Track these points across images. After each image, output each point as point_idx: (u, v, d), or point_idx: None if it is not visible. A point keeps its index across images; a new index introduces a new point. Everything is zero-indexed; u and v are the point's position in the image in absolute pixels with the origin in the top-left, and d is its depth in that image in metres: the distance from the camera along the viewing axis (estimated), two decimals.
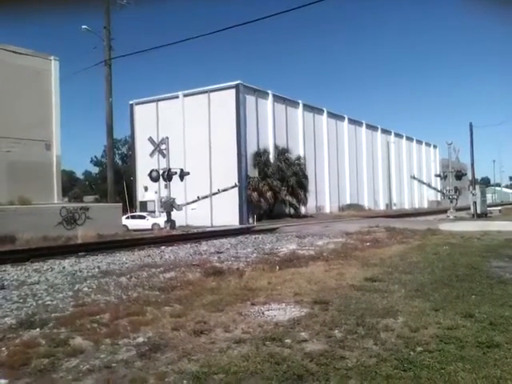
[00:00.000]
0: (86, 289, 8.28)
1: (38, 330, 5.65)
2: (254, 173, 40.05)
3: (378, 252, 12.89)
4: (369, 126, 60.99)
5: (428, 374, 4.03)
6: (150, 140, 28.31)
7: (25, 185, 22.03)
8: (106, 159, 44.11)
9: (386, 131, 65.03)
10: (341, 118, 55.47)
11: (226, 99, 39.64)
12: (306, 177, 43.56)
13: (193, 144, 40.29)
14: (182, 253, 13.93)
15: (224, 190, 31.56)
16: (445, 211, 36.38)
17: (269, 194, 39.13)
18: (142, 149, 38.92)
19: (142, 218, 35.69)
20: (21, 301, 7.35)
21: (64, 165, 36.87)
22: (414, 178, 50.55)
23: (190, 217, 36.31)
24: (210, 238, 19.48)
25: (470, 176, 57.52)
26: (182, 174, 28.28)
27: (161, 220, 31.75)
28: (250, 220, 37.76)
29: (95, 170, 66.79)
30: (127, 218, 34.66)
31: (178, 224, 28.67)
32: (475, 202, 32.36)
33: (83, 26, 27.14)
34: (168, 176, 27.03)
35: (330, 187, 51.30)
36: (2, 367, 4.43)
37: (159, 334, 5.37)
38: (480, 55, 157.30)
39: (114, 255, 13.69)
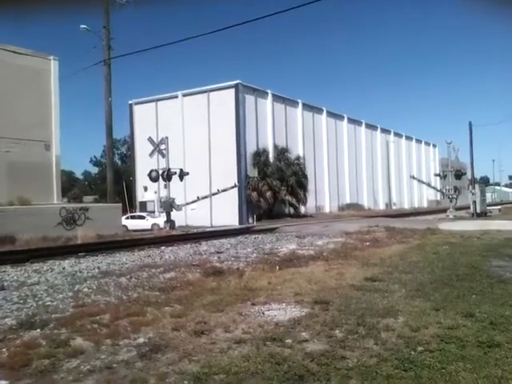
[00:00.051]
0: (86, 289, 8.27)
1: (38, 330, 5.65)
2: (253, 172, 40.04)
3: (378, 252, 12.89)
4: (368, 126, 60.99)
5: (429, 373, 4.03)
6: (150, 140, 28.31)
7: (24, 185, 22.01)
8: (105, 159, 44.10)
9: (385, 130, 65.04)
10: (340, 117, 55.47)
11: (225, 99, 39.63)
12: (305, 176, 43.56)
13: (192, 144, 40.27)
14: (182, 253, 13.93)
15: (223, 191, 31.56)
16: (444, 210, 36.39)
17: (268, 193, 39.12)
18: (142, 149, 38.91)
19: (142, 218, 35.68)
20: (21, 302, 7.35)
21: (63, 165, 36.82)
22: (413, 177, 50.51)
23: (190, 217, 36.29)
24: (209, 238, 19.48)
25: (469, 175, 57.61)
26: (182, 174, 28.27)
27: (160, 220, 31.74)
28: (250, 220, 37.74)
29: (95, 170, 66.85)
30: (127, 218, 34.65)
31: (177, 224, 28.66)
32: (475, 202, 32.36)
33: (82, 26, 27.13)
34: (167, 176, 27.03)
35: (330, 187, 51.29)
36: (3, 368, 4.42)
37: (160, 335, 5.36)
38: (479, 54, 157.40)
39: (114, 256, 13.69)
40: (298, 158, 44.00)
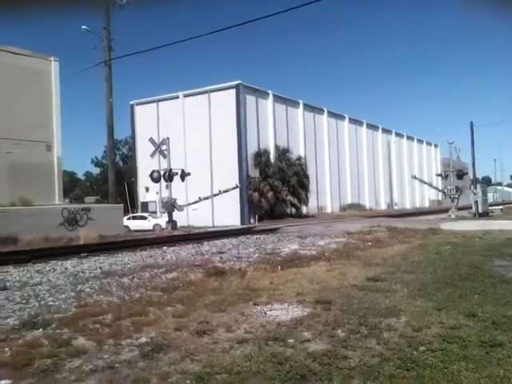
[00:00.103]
0: (88, 289, 8.29)
1: (40, 330, 5.66)
2: (254, 173, 40.05)
3: (380, 252, 12.88)
4: (369, 126, 60.96)
5: (431, 373, 4.02)
6: (151, 141, 28.33)
7: (26, 186, 22.04)
8: (106, 160, 44.10)
9: (386, 131, 65.00)
10: (341, 117, 55.45)
11: (226, 99, 39.65)
12: (307, 177, 43.56)
13: (193, 144, 40.31)
14: (184, 253, 13.94)
15: (225, 191, 31.58)
16: (446, 210, 36.36)
17: (270, 194, 39.13)
18: (143, 149, 38.93)
19: (144, 218, 35.69)
20: (23, 302, 7.36)
21: (65, 166, 37.05)
22: (415, 177, 50.56)
23: (192, 217, 36.30)
24: (211, 238, 19.48)
25: (471, 175, 57.53)
26: (183, 175, 28.31)
27: (162, 220, 31.74)
28: (252, 220, 37.75)
29: (96, 170, 66.98)
30: (128, 218, 34.67)
31: (179, 224, 28.68)
32: (476, 201, 32.34)
33: (83, 27, 27.16)
34: (169, 176, 27.05)
35: (331, 187, 51.28)
36: (5, 368, 4.43)
37: (162, 335, 5.37)
38: (480, 54, 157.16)
39: (116, 256, 13.71)
40: (299, 158, 44.01)
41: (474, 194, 32.62)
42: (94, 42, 27.44)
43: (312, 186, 44.80)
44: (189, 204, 31.05)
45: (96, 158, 64.78)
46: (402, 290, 7.47)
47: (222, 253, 13.78)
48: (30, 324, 5.90)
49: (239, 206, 38.31)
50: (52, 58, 25.49)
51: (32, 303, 7.22)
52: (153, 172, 27.59)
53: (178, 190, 30.77)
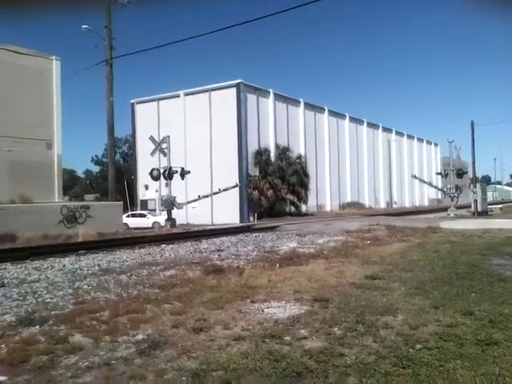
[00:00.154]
0: (85, 287, 8.29)
1: (37, 327, 5.66)
2: (254, 171, 40.05)
3: (379, 250, 12.89)
4: (370, 125, 60.96)
5: (427, 371, 4.02)
6: (151, 139, 28.35)
7: (26, 184, 22.07)
8: (106, 158, 44.11)
9: (387, 129, 64.98)
10: (342, 116, 55.42)
11: (226, 98, 39.63)
12: (306, 175, 43.57)
13: (194, 143, 40.30)
14: (183, 251, 13.94)
15: (225, 190, 31.61)
16: (445, 209, 36.36)
17: (269, 192, 39.15)
18: (143, 147, 38.93)
19: (143, 216, 35.68)
20: (21, 298, 7.36)
21: (65, 164, 36.93)
22: (414, 177, 50.47)
23: (191, 215, 36.33)
24: (210, 236, 19.49)
25: (470, 174, 57.46)
26: (183, 173, 28.34)
27: (161, 218, 31.76)
28: (251, 218, 37.76)
29: (96, 168, 66.97)
30: (128, 216, 34.64)
31: (178, 222, 28.72)
32: (476, 200, 32.35)
33: (84, 26, 27.13)
34: (169, 175, 27.09)
35: (331, 185, 51.28)
36: (2, 364, 4.43)
37: (159, 332, 5.37)
38: (481, 53, 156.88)
39: (115, 253, 13.71)
40: (299, 156, 44.01)
41: (474, 192, 32.63)
42: (96, 41, 27.48)
43: (312, 185, 44.82)
44: (188, 202, 31.07)
45: (96, 156, 64.87)
46: (400, 288, 7.48)
47: (221, 251, 13.78)
48: (26, 321, 5.90)
49: (238, 204, 38.31)
50: (53, 57, 25.55)
51: (29, 300, 7.22)
52: (153, 170, 27.63)
53: (178, 188, 30.80)
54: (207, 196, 32.38)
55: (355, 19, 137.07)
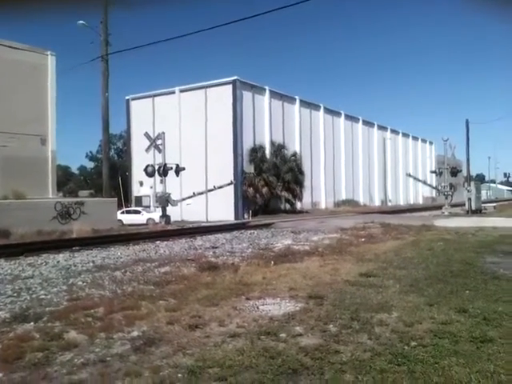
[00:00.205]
0: (80, 283, 8.25)
1: (32, 323, 5.63)
2: (249, 168, 40.05)
3: (373, 247, 12.92)
4: (365, 122, 61.09)
5: (422, 368, 4.04)
6: (146, 135, 28.23)
7: (20, 179, 21.91)
8: (101, 154, 43.95)
9: (382, 127, 65.13)
10: (337, 114, 55.48)
11: (222, 95, 39.58)
12: (301, 172, 43.63)
13: (189, 139, 40.23)
14: (177, 247, 13.91)
15: (220, 187, 31.58)
16: (440, 207, 36.53)
17: (264, 189, 39.18)
18: (138, 144, 38.82)
19: (137, 212, 35.62)
20: (15, 295, 7.32)
21: (59, 160, 36.84)
22: (409, 175, 50.57)
23: (185, 212, 36.28)
24: (205, 233, 19.44)
25: (465, 172, 57.71)
26: (178, 170, 28.24)
27: (156, 215, 31.69)
28: (246, 215, 37.78)
29: (90, 165, 66.82)
30: (122, 212, 34.59)
31: (173, 219, 28.63)
32: (470, 199, 32.50)
33: (80, 21, 26.97)
34: (164, 171, 26.99)
35: (326, 183, 51.38)
36: None
37: (154, 328, 5.36)
38: (477, 52, 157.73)
39: (109, 250, 13.65)
40: (294, 154, 44.06)
41: (468, 191, 32.77)
42: (92, 37, 27.32)
43: (307, 182, 44.88)
44: (183, 199, 31.00)
45: (91, 152, 64.67)
46: (394, 285, 7.50)
47: (216, 247, 13.76)
48: (21, 317, 5.87)
49: (233, 201, 38.32)
50: (48, 52, 25.33)
51: (23, 296, 7.18)
52: (147, 166, 27.50)
53: (173, 185, 30.71)
54: (202, 193, 32.32)
55: (351, 17, 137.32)
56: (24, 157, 22.97)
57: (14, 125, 22.83)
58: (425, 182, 51.72)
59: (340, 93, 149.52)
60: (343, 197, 54.34)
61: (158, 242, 15.61)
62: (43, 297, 7.14)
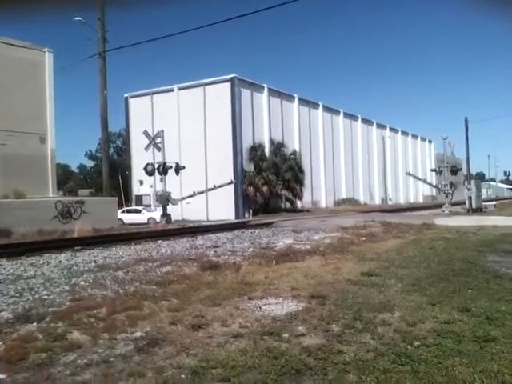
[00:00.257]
0: (82, 283, 8.25)
1: (35, 324, 5.63)
2: (249, 167, 40.04)
3: (374, 246, 12.92)
4: (364, 121, 61.05)
5: (425, 368, 4.03)
6: (145, 133, 28.19)
7: (19, 178, 21.89)
8: (100, 153, 43.95)
9: (381, 126, 65.11)
10: (336, 112, 55.45)
11: (221, 93, 39.54)
12: (301, 171, 43.62)
13: (188, 137, 40.20)
14: (179, 247, 13.91)
15: (220, 186, 31.58)
16: (440, 206, 36.53)
17: (264, 188, 39.17)
18: (137, 142, 38.79)
19: (138, 212, 35.61)
20: (17, 295, 7.32)
21: (59, 158, 36.80)
22: (409, 174, 50.54)
23: (186, 211, 36.27)
24: (206, 232, 19.46)
25: (465, 171, 57.74)
26: (178, 168, 28.22)
27: (156, 214, 31.70)
28: (246, 214, 37.77)
29: (90, 163, 66.74)
30: (123, 212, 34.57)
31: (173, 218, 28.64)
32: (470, 197, 32.50)
33: (76, 18, 26.88)
34: (163, 170, 26.97)
35: (326, 182, 51.37)
36: (0, 362, 4.40)
37: (157, 329, 5.36)
38: (476, 50, 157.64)
39: (111, 249, 13.66)
40: (294, 152, 44.04)
41: (468, 189, 32.77)
42: (89, 34, 27.24)
43: (307, 181, 44.86)
44: (183, 198, 30.99)
45: (90, 150, 64.60)
46: (396, 284, 7.50)
47: (217, 247, 13.76)
48: (24, 318, 5.87)
49: (234, 200, 38.31)
50: (46, 50, 25.27)
51: (26, 297, 7.18)
52: (147, 165, 27.48)
53: (173, 184, 30.69)
54: (202, 192, 32.32)
55: (350, 14, 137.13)
56: (23, 155, 22.93)
57: (12, 123, 22.78)
58: (425, 181, 51.73)
59: (339, 91, 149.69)
60: (343, 195, 54.35)
61: (159, 242, 15.62)
62: (46, 297, 7.14)
